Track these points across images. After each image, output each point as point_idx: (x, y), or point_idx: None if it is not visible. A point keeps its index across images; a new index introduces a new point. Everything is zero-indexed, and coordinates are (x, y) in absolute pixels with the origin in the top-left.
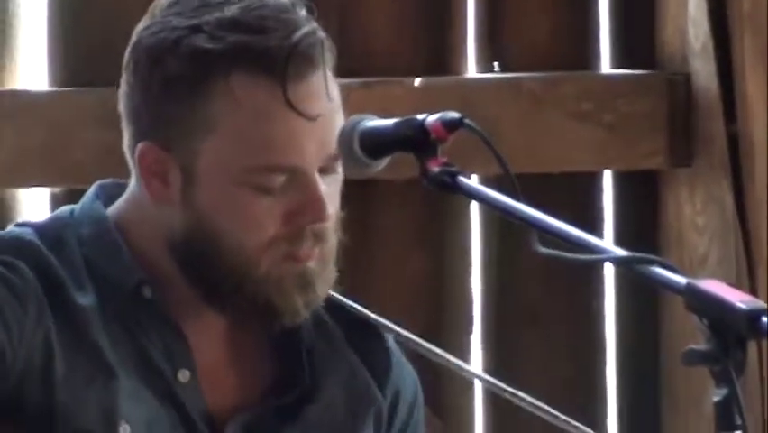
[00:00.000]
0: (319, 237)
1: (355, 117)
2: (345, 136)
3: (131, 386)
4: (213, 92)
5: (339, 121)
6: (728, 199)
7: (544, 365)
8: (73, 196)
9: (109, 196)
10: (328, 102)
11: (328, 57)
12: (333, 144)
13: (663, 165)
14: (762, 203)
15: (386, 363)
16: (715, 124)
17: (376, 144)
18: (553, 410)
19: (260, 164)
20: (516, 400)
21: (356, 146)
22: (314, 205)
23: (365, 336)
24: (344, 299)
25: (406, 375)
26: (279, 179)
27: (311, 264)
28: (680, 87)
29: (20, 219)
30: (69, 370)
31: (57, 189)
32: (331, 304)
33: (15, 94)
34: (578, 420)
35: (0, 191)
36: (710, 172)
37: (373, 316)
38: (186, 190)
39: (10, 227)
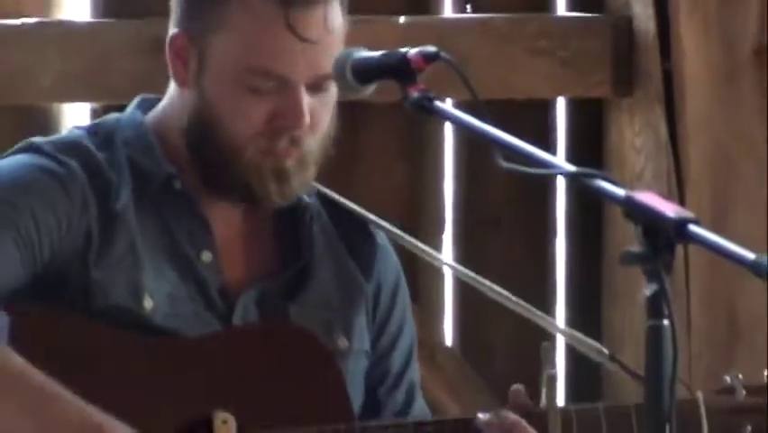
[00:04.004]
0: (296, 141)
1: (348, 49)
2: (340, 64)
3: (156, 266)
4: None
5: (335, 49)
6: (662, 125)
7: (505, 264)
8: (111, 111)
9: (149, 107)
10: (325, 32)
11: None
12: (324, 68)
13: (608, 94)
14: (690, 129)
15: (371, 254)
16: (652, 60)
17: (365, 72)
18: (508, 294)
19: (254, 66)
20: (478, 286)
21: (348, 73)
22: (294, 111)
23: (353, 230)
24: (337, 196)
25: (388, 262)
26: (269, 84)
27: (288, 162)
28: (623, 28)
29: (63, 130)
30: (104, 253)
31: (96, 105)
32: (326, 200)
33: (61, 24)
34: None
35: (47, 105)
36: (647, 102)
37: (359, 209)
38: (198, 75)
39: (70, 129)
